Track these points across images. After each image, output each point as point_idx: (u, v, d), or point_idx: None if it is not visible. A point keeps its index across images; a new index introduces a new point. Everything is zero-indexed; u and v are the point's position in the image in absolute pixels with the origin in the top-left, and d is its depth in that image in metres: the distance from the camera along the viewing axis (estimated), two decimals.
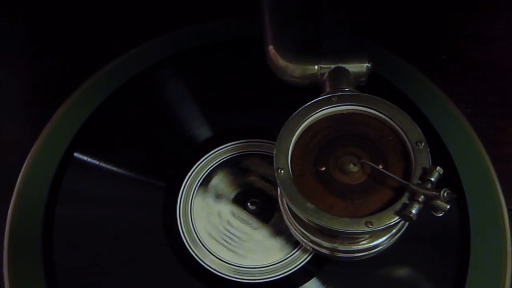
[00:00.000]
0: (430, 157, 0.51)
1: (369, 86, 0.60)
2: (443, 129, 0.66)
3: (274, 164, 0.52)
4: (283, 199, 0.56)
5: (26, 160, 0.64)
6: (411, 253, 0.60)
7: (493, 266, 0.58)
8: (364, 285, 0.59)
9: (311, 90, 0.59)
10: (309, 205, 0.50)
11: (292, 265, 0.59)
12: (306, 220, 0.51)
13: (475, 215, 0.61)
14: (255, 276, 0.58)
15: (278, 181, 0.51)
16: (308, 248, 0.58)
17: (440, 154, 0.64)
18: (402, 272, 0.59)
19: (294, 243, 0.59)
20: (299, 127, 0.54)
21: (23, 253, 0.59)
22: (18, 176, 0.63)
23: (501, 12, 0.79)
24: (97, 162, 0.64)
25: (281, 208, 0.58)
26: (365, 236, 0.54)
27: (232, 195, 0.63)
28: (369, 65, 0.59)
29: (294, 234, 0.58)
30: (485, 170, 0.64)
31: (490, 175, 0.63)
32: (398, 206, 0.49)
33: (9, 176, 0.63)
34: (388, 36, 0.76)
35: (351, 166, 0.52)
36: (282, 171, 0.52)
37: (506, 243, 0.59)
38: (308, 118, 0.54)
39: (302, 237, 0.56)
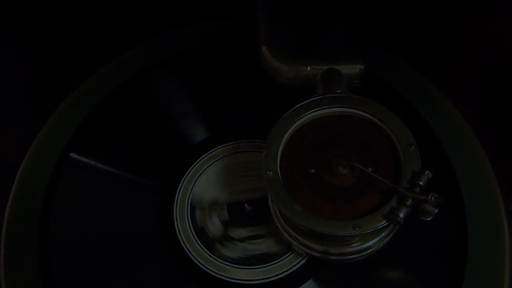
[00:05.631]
0: (420, 161, 0.51)
1: (367, 87, 0.60)
2: (442, 129, 0.65)
3: (263, 166, 0.52)
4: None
5: (23, 161, 0.64)
6: (408, 254, 0.59)
7: (491, 267, 0.58)
8: (361, 287, 0.58)
9: (306, 91, 0.59)
10: (297, 207, 0.50)
11: (289, 266, 0.59)
12: (294, 223, 0.51)
13: (473, 216, 0.60)
14: (253, 277, 0.58)
15: (266, 183, 0.51)
16: (299, 251, 0.57)
17: (439, 155, 0.64)
18: (399, 274, 0.59)
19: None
20: (289, 128, 0.54)
21: (19, 253, 0.59)
22: (15, 176, 0.63)
23: (501, 12, 0.78)
24: (94, 163, 0.64)
25: (272, 210, 0.57)
26: (355, 238, 0.54)
27: (227, 200, 0.63)
28: (362, 66, 0.58)
29: (284, 237, 0.57)
30: (484, 171, 0.63)
31: (489, 176, 0.62)
32: (386, 209, 0.49)
33: (6, 177, 0.64)
34: (388, 36, 0.76)
35: (341, 168, 0.52)
36: (270, 173, 0.52)
37: (504, 244, 0.59)
38: (299, 119, 0.54)
39: (293, 239, 0.56)
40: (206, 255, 0.59)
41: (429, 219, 0.49)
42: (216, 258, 0.59)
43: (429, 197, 0.48)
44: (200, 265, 0.59)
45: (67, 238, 0.60)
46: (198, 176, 0.64)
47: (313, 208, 0.50)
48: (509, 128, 0.71)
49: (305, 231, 0.53)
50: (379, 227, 0.49)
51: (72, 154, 0.65)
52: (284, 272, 0.58)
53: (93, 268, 0.59)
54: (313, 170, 0.53)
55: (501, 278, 0.57)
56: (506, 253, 0.58)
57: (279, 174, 0.52)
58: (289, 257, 0.59)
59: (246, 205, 0.62)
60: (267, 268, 0.58)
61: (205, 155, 0.65)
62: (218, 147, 0.66)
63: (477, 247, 0.59)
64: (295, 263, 0.58)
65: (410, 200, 0.48)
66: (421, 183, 0.49)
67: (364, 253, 0.55)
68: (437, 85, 0.68)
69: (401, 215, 0.48)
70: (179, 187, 0.63)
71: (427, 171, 0.50)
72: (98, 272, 0.59)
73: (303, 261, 0.58)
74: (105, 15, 0.81)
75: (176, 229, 0.61)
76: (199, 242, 0.60)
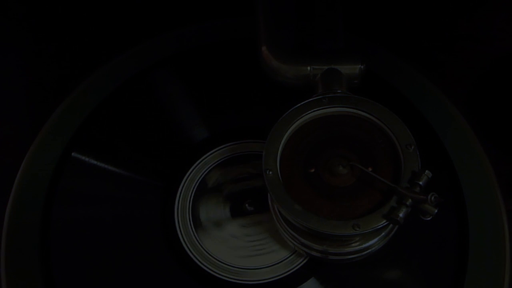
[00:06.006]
0: (419, 161, 0.51)
1: (368, 87, 0.60)
2: (442, 129, 0.65)
3: (263, 165, 0.52)
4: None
5: (24, 160, 0.64)
6: (409, 254, 0.59)
7: (492, 267, 0.58)
8: (362, 286, 0.58)
9: (307, 91, 0.59)
10: (296, 207, 0.50)
11: (291, 266, 0.59)
12: (293, 222, 0.51)
13: (473, 216, 0.60)
14: (253, 277, 0.58)
15: (266, 182, 0.51)
16: (299, 251, 0.57)
17: (439, 155, 0.64)
18: (400, 274, 0.59)
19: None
20: (289, 128, 0.54)
21: (20, 253, 0.59)
22: (16, 175, 0.63)
23: (501, 12, 0.78)
24: (95, 162, 0.64)
25: (271, 210, 0.57)
26: (355, 238, 0.54)
27: (228, 200, 0.63)
28: (362, 66, 0.58)
29: (284, 237, 0.57)
30: (484, 171, 0.63)
31: (489, 176, 0.62)
32: (386, 209, 0.49)
33: (7, 176, 0.63)
34: (387, 36, 0.76)
35: (341, 168, 0.52)
36: (270, 173, 0.52)
37: (505, 244, 0.59)
38: (298, 119, 0.54)
39: (293, 239, 0.56)
40: (208, 255, 0.59)
41: (429, 218, 0.49)
42: (217, 258, 0.59)
43: (429, 197, 0.48)
44: (202, 265, 0.59)
45: (68, 238, 0.60)
46: (200, 176, 0.64)
47: (313, 208, 0.50)
48: (509, 128, 0.71)
49: (304, 231, 0.53)
50: (379, 226, 0.49)
51: (74, 154, 0.65)
52: (285, 272, 0.58)
53: (94, 268, 0.59)
54: (313, 170, 0.53)
55: (501, 278, 0.57)
56: (506, 253, 0.58)
57: (279, 174, 0.52)
58: (291, 257, 0.59)
59: (247, 205, 0.62)
60: (268, 268, 0.58)
61: (206, 155, 0.65)
62: (219, 147, 0.66)
63: (478, 247, 0.59)
64: (296, 263, 0.58)
65: (410, 200, 0.48)
66: (420, 183, 0.49)
67: (364, 253, 0.55)
68: (437, 85, 0.68)
69: (401, 215, 0.48)
70: (180, 187, 0.63)
71: (426, 171, 0.50)
72: (100, 272, 0.59)
73: (304, 261, 0.58)
74: (105, 15, 0.81)
75: (178, 228, 0.61)
76: (200, 241, 0.60)
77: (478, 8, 0.78)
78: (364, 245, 0.54)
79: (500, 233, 0.59)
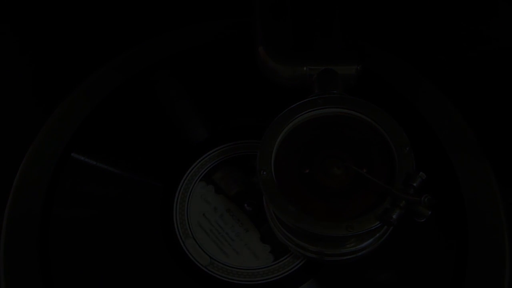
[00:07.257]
0: (414, 162, 0.51)
1: (367, 87, 0.60)
2: (443, 129, 0.65)
3: (257, 166, 0.52)
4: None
5: (24, 160, 0.64)
6: (408, 254, 0.59)
7: (492, 267, 0.57)
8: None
9: (305, 91, 0.59)
10: (290, 207, 0.50)
11: (290, 266, 0.58)
12: (287, 223, 0.51)
13: (473, 215, 0.60)
14: (252, 277, 0.58)
15: (260, 183, 0.51)
16: (295, 252, 0.57)
17: (438, 155, 0.63)
18: (399, 274, 0.59)
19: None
20: (284, 128, 0.54)
21: (20, 253, 0.59)
22: (15, 176, 0.63)
23: (501, 12, 0.77)
24: (95, 162, 0.65)
25: (267, 211, 0.57)
26: (349, 239, 0.53)
27: (232, 193, 0.63)
28: (358, 67, 0.58)
29: (279, 238, 0.57)
30: (485, 170, 0.62)
31: (489, 176, 0.62)
32: (379, 210, 0.49)
33: (6, 176, 0.64)
34: (387, 36, 0.75)
35: (335, 169, 0.52)
36: (264, 173, 0.52)
37: (504, 238, 0.58)
38: (293, 120, 0.54)
39: (288, 240, 0.56)
40: (206, 255, 0.59)
41: (422, 220, 0.49)
42: (216, 258, 0.59)
43: (422, 198, 0.47)
44: (200, 266, 0.59)
45: (68, 238, 0.60)
46: (199, 177, 0.64)
47: (307, 209, 0.50)
48: (509, 128, 0.71)
49: (299, 232, 0.53)
50: (372, 228, 0.49)
51: (73, 154, 0.65)
52: (285, 272, 0.58)
53: (94, 268, 0.59)
54: (307, 171, 0.52)
55: (501, 278, 0.57)
56: (506, 253, 0.58)
57: (273, 175, 0.52)
58: (290, 257, 0.59)
59: (246, 205, 0.62)
60: (268, 268, 0.58)
61: (205, 155, 0.65)
62: (218, 147, 0.66)
63: (478, 247, 0.58)
64: (295, 263, 0.58)
65: (404, 202, 0.48)
66: (414, 184, 0.49)
67: (359, 253, 0.55)
68: (437, 85, 0.67)
69: (394, 216, 0.48)
70: (179, 187, 0.63)
71: (421, 173, 0.49)
72: (99, 272, 0.59)
73: (303, 261, 0.58)
74: (105, 15, 0.81)
75: (176, 228, 0.61)
76: (199, 242, 0.60)
77: (479, 8, 0.78)
78: (359, 246, 0.54)
79: (500, 233, 0.59)
